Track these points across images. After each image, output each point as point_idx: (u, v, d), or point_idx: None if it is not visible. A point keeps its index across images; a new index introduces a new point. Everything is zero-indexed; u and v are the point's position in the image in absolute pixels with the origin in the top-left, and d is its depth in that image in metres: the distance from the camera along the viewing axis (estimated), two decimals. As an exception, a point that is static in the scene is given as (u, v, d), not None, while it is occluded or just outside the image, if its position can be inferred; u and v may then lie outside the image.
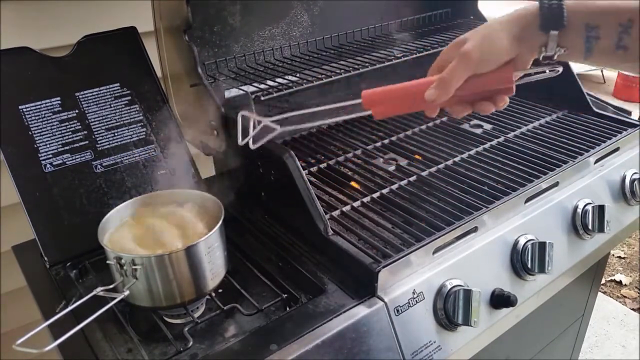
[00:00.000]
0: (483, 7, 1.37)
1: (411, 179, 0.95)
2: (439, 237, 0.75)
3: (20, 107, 0.84)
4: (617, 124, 1.10)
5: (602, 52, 0.56)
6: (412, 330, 0.70)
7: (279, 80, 1.01)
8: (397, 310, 0.69)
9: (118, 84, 0.92)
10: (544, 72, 0.62)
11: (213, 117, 0.94)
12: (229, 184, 1.04)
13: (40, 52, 0.88)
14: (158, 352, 0.69)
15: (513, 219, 0.85)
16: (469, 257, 0.78)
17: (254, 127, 0.67)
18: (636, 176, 1.01)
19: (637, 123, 1.09)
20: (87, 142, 0.87)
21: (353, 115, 0.71)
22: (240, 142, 0.67)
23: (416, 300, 0.71)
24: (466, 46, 0.59)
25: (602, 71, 1.58)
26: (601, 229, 0.91)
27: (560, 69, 0.61)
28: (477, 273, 0.78)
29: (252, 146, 0.67)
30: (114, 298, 0.66)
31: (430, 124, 1.17)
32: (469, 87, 0.61)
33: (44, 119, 0.85)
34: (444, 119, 1.20)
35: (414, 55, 1.12)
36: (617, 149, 1.02)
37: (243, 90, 0.97)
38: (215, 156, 1.09)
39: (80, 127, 0.87)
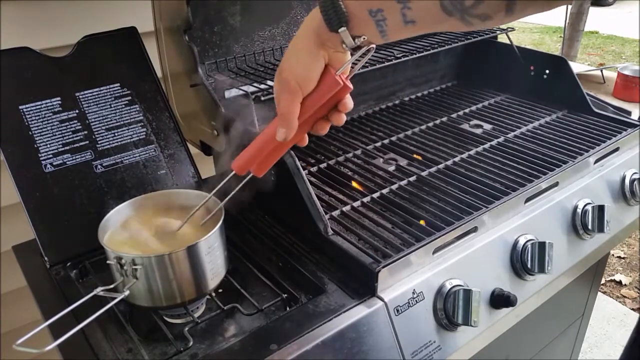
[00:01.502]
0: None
1: (411, 179, 0.95)
2: (438, 237, 0.76)
3: (20, 107, 0.84)
4: (617, 124, 1.10)
5: (396, 30, 0.58)
6: (412, 330, 0.70)
7: (279, 80, 1.01)
8: (397, 310, 0.69)
9: (118, 84, 0.92)
10: (359, 57, 0.63)
11: (213, 117, 0.94)
12: (229, 184, 1.04)
13: (40, 52, 0.88)
14: (158, 352, 0.69)
15: (513, 219, 0.85)
16: (469, 257, 0.78)
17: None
18: (636, 176, 1.01)
19: (637, 123, 1.09)
20: (87, 142, 0.87)
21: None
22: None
23: (416, 300, 0.71)
24: (283, 75, 0.61)
25: (602, 71, 1.59)
26: (601, 229, 0.91)
27: (373, 47, 0.62)
28: (477, 273, 0.78)
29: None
30: (114, 298, 0.66)
31: (430, 124, 1.17)
32: (307, 109, 0.63)
33: (44, 119, 0.85)
34: (444, 119, 1.20)
35: (414, 56, 1.12)
36: (617, 149, 1.02)
37: (243, 91, 0.97)
38: (215, 156, 1.09)
39: (80, 127, 0.87)
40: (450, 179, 0.94)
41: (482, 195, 0.88)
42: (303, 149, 1.11)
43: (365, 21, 0.57)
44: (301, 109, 0.62)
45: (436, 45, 1.16)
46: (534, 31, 6.68)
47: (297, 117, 0.62)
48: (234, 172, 0.70)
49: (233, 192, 0.72)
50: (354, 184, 0.96)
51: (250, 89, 0.97)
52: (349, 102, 0.64)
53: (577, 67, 1.67)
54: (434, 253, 0.75)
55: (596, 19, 6.33)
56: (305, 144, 0.68)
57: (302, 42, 0.61)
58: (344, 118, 0.65)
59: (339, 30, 0.58)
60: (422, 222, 0.83)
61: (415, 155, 1.04)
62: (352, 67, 0.65)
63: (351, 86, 0.64)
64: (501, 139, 1.08)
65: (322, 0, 0.57)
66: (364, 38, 0.59)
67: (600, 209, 0.91)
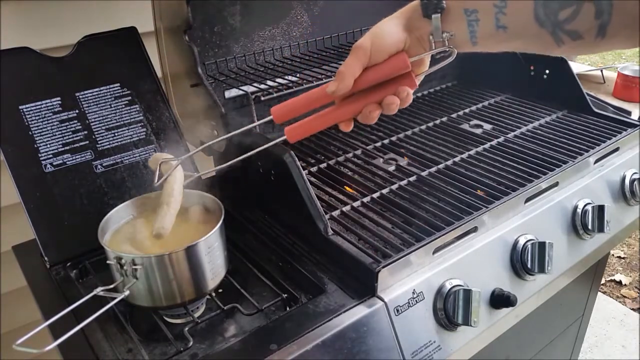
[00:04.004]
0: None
1: (411, 179, 0.95)
2: (438, 237, 0.76)
3: (20, 107, 0.84)
4: (617, 124, 1.10)
5: (486, 35, 0.59)
6: (412, 330, 0.70)
7: (279, 80, 1.02)
8: (397, 310, 0.69)
9: (118, 84, 0.92)
10: (439, 56, 0.63)
11: (213, 117, 0.94)
12: (229, 184, 1.04)
13: (40, 52, 0.88)
14: (158, 352, 0.69)
15: (513, 219, 0.85)
16: (469, 257, 0.78)
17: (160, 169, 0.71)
18: (636, 176, 1.01)
19: (637, 123, 1.09)
20: (87, 142, 0.87)
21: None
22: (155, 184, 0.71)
23: (416, 300, 0.71)
24: (359, 41, 0.62)
25: (601, 71, 1.59)
26: (601, 229, 0.91)
27: (454, 52, 0.62)
28: (477, 273, 0.78)
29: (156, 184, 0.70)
30: (114, 298, 0.66)
31: (430, 124, 1.17)
32: (368, 78, 0.63)
33: (44, 119, 0.85)
34: (444, 119, 1.20)
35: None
36: (617, 149, 1.02)
37: (243, 91, 0.97)
38: (215, 156, 1.09)
39: (80, 127, 0.87)
40: (450, 179, 0.94)
41: (482, 195, 0.88)
42: (303, 149, 1.11)
43: (459, 18, 0.59)
44: (361, 76, 0.62)
45: (436, 45, 1.16)
46: (534, 31, 6.67)
47: (354, 80, 0.62)
48: (270, 118, 0.67)
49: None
50: (354, 184, 0.95)
51: (250, 89, 0.97)
52: (409, 96, 0.64)
53: (577, 67, 1.66)
54: (434, 253, 0.75)
55: (596, 19, 6.32)
56: (348, 129, 0.67)
57: (390, 19, 0.63)
58: (396, 107, 0.64)
59: (433, 16, 0.59)
60: (417, 220, 0.83)
61: (404, 158, 1.03)
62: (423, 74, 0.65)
63: (417, 84, 0.64)
64: (501, 139, 1.08)
65: None
66: (451, 35, 0.60)
67: (600, 209, 0.91)
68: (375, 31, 0.62)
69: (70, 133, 0.86)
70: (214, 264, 0.71)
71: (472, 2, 0.58)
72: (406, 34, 0.62)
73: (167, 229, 0.69)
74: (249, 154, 0.70)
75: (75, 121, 0.87)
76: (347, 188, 0.94)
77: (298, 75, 1.05)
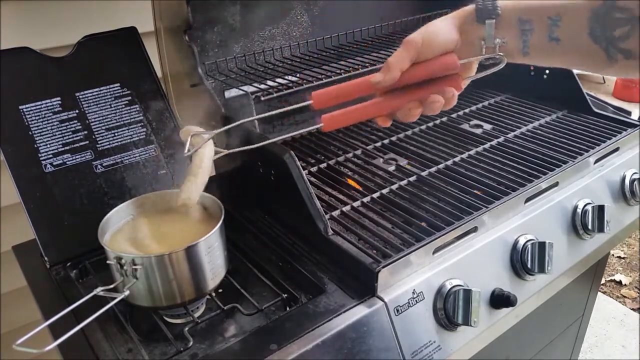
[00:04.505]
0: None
1: (411, 179, 0.95)
2: (439, 237, 0.75)
3: (20, 107, 0.84)
4: (617, 124, 1.10)
5: (538, 46, 0.59)
6: (412, 330, 0.70)
7: (279, 80, 1.02)
8: (397, 310, 0.69)
9: (118, 84, 0.92)
10: (488, 59, 0.64)
11: (213, 117, 0.94)
12: (229, 184, 1.04)
13: (40, 52, 0.88)
14: (158, 352, 0.69)
15: (513, 219, 0.85)
16: (469, 257, 0.78)
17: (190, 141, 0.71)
18: (636, 176, 1.01)
19: (637, 123, 1.09)
20: (87, 142, 0.87)
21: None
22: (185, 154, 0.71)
23: (416, 300, 0.71)
24: (410, 35, 0.63)
25: (602, 71, 1.59)
26: (601, 229, 0.91)
27: (504, 60, 0.62)
28: (477, 273, 0.78)
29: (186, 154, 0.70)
30: (114, 298, 0.66)
31: (430, 124, 1.17)
32: (415, 74, 0.63)
33: (44, 119, 0.85)
34: (444, 118, 1.20)
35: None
36: (617, 149, 1.02)
37: (243, 91, 0.97)
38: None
39: (80, 127, 0.87)
40: (450, 179, 0.94)
41: (482, 195, 0.88)
42: (303, 149, 1.11)
43: (513, 27, 0.59)
44: (408, 71, 0.62)
45: (436, 45, 1.16)
46: (534, 31, 6.67)
47: (401, 73, 0.62)
48: (309, 102, 0.67)
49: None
50: (354, 184, 0.95)
51: (251, 89, 0.97)
52: (454, 97, 0.64)
53: (577, 67, 1.66)
54: (434, 253, 0.75)
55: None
56: (387, 124, 0.67)
57: (445, 19, 0.63)
58: (440, 107, 0.64)
59: (487, 22, 0.59)
60: (417, 220, 0.83)
61: (407, 159, 1.03)
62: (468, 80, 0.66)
63: (463, 87, 0.64)
64: (501, 139, 1.08)
65: None
66: (503, 42, 0.60)
67: (600, 209, 0.91)
68: (429, 28, 0.63)
69: (70, 133, 0.86)
70: (214, 264, 0.71)
71: (528, 12, 0.58)
72: (458, 35, 0.62)
73: (193, 199, 0.69)
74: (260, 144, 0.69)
75: (75, 121, 0.87)
76: (347, 188, 0.94)
77: (298, 75, 1.05)
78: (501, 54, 0.61)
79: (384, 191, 0.91)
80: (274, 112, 0.72)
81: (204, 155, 0.70)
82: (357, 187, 0.94)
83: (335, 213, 0.86)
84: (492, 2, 0.59)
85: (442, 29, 0.63)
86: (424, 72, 0.63)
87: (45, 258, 0.81)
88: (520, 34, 0.59)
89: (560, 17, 0.56)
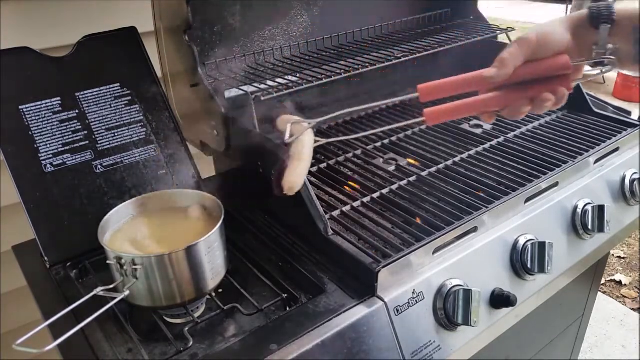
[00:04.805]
0: (483, 7, 1.37)
1: (411, 179, 0.95)
2: (439, 237, 0.76)
3: (20, 107, 0.84)
4: (617, 124, 1.10)
5: None
6: (412, 330, 0.70)
7: (279, 80, 1.01)
8: (397, 310, 0.69)
9: (118, 84, 0.92)
10: (597, 64, 0.65)
11: (213, 117, 0.94)
12: (229, 184, 1.04)
13: (40, 52, 0.88)
14: (158, 352, 0.69)
15: (513, 219, 0.85)
16: (469, 257, 0.78)
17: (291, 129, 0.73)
18: (636, 176, 1.01)
19: (637, 123, 1.09)
20: (87, 142, 0.87)
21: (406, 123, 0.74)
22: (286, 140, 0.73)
23: (416, 300, 0.71)
24: (524, 34, 0.64)
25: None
26: (601, 229, 0.91)
27: (615, 63, 0.63)
28: (477, 273, 0.78)
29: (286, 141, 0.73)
30: (114, 298, 0.66)
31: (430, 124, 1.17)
32: (527, 71, 0.64)
33: (44, 119, 0.85)
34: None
35: (414, 56, 1.12)
36: (617, 149, 1.02)
37: (243, 91, 0.97)
38: (215, 156, 1.09)
39: (80, 127, 0.87)
40: (450, 179, 0.94)
41: (482, 195, 0.88)
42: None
43: (626, 34, 0.60)
44: (520, 68, 0.63)
45: (436, 46, 1.16)
46: (534, 31, 6.67)
47: (514, 69, 0.63)
48: (415, 95, 0.68)
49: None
50: (354, 184, 0.95)
51: (251, 89, 0.97)
52: (564, 97, 0.65)
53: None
54: (434, 253, 0.75)
55: (596, 19, 6.33)
56: (491, 120, 0.69)
57: (560, 21, 0.64)
58: (550, 105, 0.65)
59: (601, 27, 0.60)
60: (417, 220, 0.83)
61: (408, 159, 1.04)
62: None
63: (571, 88, 0.65)
64: (501, 139, 1.08)
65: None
66: (615, 47, 0.61)
67: (600, 209, 0.91)
68: (543, 28, 0.63)
69: (70, 133, 0.86)
70: (214, 264, 0.71)
71: None
72: (571, 37, 0.63)
73: (299, 183, 0.69)
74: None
75: (75, 121, 0.87)
76: (347, 188, 0.94)
77: (298, 75, 1.05)
78: (613, 57, 0.62)
79: (384, 191, 0.91)
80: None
81: (305, 142, 0.72)
82: (357, 187, 0.94)
83: (335, 213, 0.86)
84: (608, 8, 0.60)
85: (557, 30, 0.63)
86: (536, 71, 0.64)
87: (45, 258, 0.81)
88: (633, 41, 0.60)
89: None
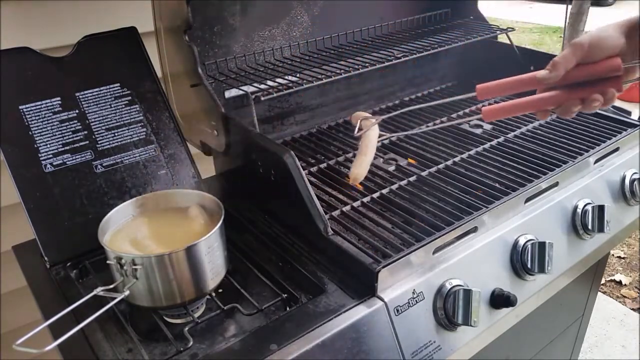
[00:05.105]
0: (483, 7, 1.37)
1: (411, 179, 0.95)
2: (438, 237, 0.76)
3: (20, 107, 0.84)
4: (617, 124, 1.10)
5: None
6: (412, 330, 0.70)
7: (279, 80, 1.02)
8: (397, 310, 0.69)
9: (118, 84, 0.92)
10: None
11: (213, 117, 0.94)
12: (229, 184, 1.04)
13: (40, 52, 0.88)
14: (158, 352, 0.69)
15: (513, 219, 0.85)
16: (469, 257, 0.78)
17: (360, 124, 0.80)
18: (636, 176, 1.01)
19: (637, 123, 1.09)
20: (87, 142, 0.87)
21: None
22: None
23: (416, 300, 0.71)
24: (578, 38, 0.68)
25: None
26: (601, 229, 0.91)
27: None
28: (477, 273, 0.78)
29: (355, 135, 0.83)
30: (114, 298, 0.66)
31: (430, 124, 1.17)
32: (579, 74, 0.68)
33: (44, 119, 0.85)
34: (444, 118, 1.20)
35: (414, 56, 1.12)
36: (617, 149, 1.02)
37: (243, 91, 0.97)
38: (215, 156, 1.09)
39: (80, 127, 0.87)
40: (450, 179, 0.94)
41: (482, 195, 0.88)
42: (303, 149, 1.11)
43: None
44: (573, 70, 0.67)
45: (436, 46, 1.16)
46: (534, 31, 6.68)
47: (565, 71, 0.67)
48: (473, 94, 0.74)
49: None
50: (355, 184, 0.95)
51: (251, 89, 0.97)
52: (613, 98, 0.67)
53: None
54: (434, 253, 0.75)
55: (596, 19, 6.33)
56: (545, 118, 0.74)
57: (614, 26, 0.68)
58: (599, 106, 0.68)
59: None
60: (417, 220, 0.83)
61: (409, 159, 1.04)
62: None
63: (623, 89, 0.68)
64: (501, 139, 1.08)
65: None
66: None
67: (600, 209, 0.91)
68: (597, 32, 0.67)
69: (70, 133, 0.86)
70: (214, 264, 0.71)
71: None
72: (624, 40, 0.67)
73: (362, 174, 0.77)
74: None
75: (75, 121, 0.87)
76: (347, 188, 0.94)
77: (298, 75, 1.05)
78: None
79: (384, 191, 0.91)
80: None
81: (370, 137, 0.82)
82: (357, 187, 0.94)
83: (335, 213, 0.86)
84: None
85: (610, 33, 0.67)
86: (587, 73, 0.68)
87: (45, 258, 0.81)
88: None
89: None
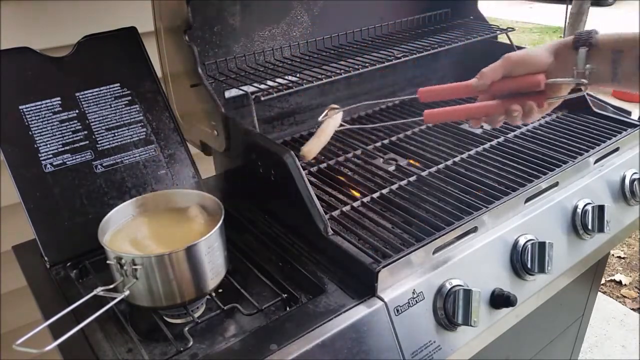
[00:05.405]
0: (483, 7, 1.37)
1: (411, 179, 0.95)
2: (438, 237, 0.76)
3: (20, 107, 0.84)
4: (617, 124, 1.10)
5: (627, 72, 0.67)
6: (412, 330, 0.70)
7: (279, 80, 1.02)
8: (397, 310, 0.69)
9: (118, 84, 0.92)
10: (571, 85, 0.73)
11: (213, 117, 0.94)
12: (229, 184, 1.04)
13: (40, 52, 0.88)
14: (158, 352, 0.69)
15: (513, 219, 0.85)
16: (469, 257, 0.78)
17: None
18: (636, 176, 1.01)
19: (637, 123, 1.09)
20: (87, 142, 0.87)
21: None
22: None
23: (416, 300, 0.71)
24: (509, 53, 0.74)
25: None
26: (601, 229, 0.91)
27: (586, 87, 0.71)
28: (477, 273, 0.78)
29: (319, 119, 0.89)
30: (114, 298, 0.66)
31: (430, 124, 1.17)
32: (503, 85, 0.74)
33: (44, 119, 0.85)
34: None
35: (414, 56, 1.12)
36: (617, 149, 1.02)
37: (243, 91, 0.97)
38: (215, 156, 1.09)
39: (80, 127, 0.87)
40: (450, 179, 0.94)
41: (482, 195, 0.88)
42: (303, 149, 1.10)
43: (605, 56, 0.68)
44: (499, 82, 0.73)
45: (436, 46, 1.16)
46: (533, 31, 6.68)
47: (492, 81, 0.73)
48: (415, 96, 0.80)
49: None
50: (354, 183, 0.95)
51: (251, 89, 0.97)
52: (531, 111, 0.72)
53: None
54: (434, 253, 0.75)
55: (596, 19, 6.34)
56: (476, 126, 0.79)
57: (544, 45, 0.73)
58: (518, 116, 0.73)
59: (580, 50, 0.68)
60: (417, 220, 0.83)
61: (410, 161, 1.04)
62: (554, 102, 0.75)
63: (546, 105, 0.73)
64: (501, 139, 1.08)
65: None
66: (593, 69, 0.68)
67: (600, 209, 0.91)
68: (527, 50, 0.74)
69: (70, 133, 0.86)
70: (214, 264, 0.71)
71: (621, 44, 0.67)
72: (553, 59, 0.71)
73: (309, 152, 0.82)
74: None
75: (75, 121, 0.87)
76: (347, 188, 0.94)
77: (298, 75, 1.05)
78: (584, 80, 0.69)
79: (384, 191, 0.91)
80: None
81: (330, 123, 0.89)
82: (357, 187, 0.94)
83: (335, 213, 0.86)
84: (588, 34, 0.68)
85: (538, 52, 0.72)
86: (511, 85, 0.73)
87: (45, 258, 0.81)
88: (612, 61, 0.67)
89: None
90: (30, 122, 0.84)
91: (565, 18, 3.63)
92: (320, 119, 0.87)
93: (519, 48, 1.27)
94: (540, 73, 0.71)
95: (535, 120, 0.77)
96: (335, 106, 0.90)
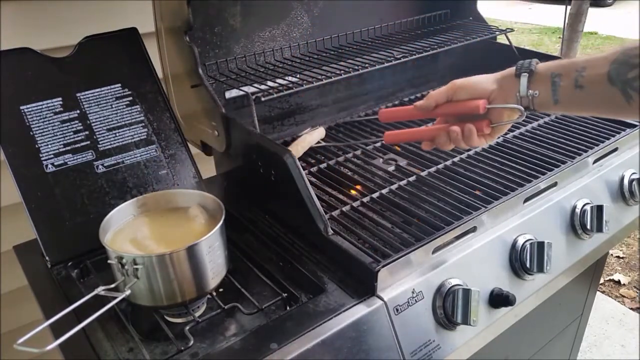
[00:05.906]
0: (482, 8, 1.38)
1: (411, 179, 0.95)
2: (438, 236, 0.76)
3: (21, 107, 0.84)
4: (616, 124, 1.11)
5: (566, 95, 0.70)
6: (411, 330, 0.71)
7: (279, 81, 1.02)
8: (397, 310, 0.70)
9: (119, 85, 0.92)
10: (515, 112, 0.75)
11: (214, 117, 0.94)
12: (229, 184, 1.04)
13: (41, 53, 0.88)
14: (159, 351, 0.69)
15: (512, 218, 0.85)
16: (468, 256, 0.78)
17: None
18: (635, 176, 1.02)
19: (636, 123, 1.09)
20: (88, 142, 0.88)
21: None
22: None
23: (415, 300, 0.72)
24: (456, 79, 0.78)
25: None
26: (600, 229, 0.92)
27: (524, 113, 0.74)
28: (476, 272, 0.78)
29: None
30: (115, 297, 0.67)
31: (430, 124, 1.17)
32: (447, 109, 0.78)
33: (45, 119, 0.85)
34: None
35: (414, 56, 1.13)
36: (615, 149, 1.03)
37: (243, 91, 0.97)
38: (215, 156, 1.09)
39: (81, 127, 0.88)
40: (450, 179, 0.95)
41: (481, 195, 0.88)
42: (303, 149, 1.11)
43: (545, 80, 0.71)
44: (443, 105, 0.77)
45: (435, 46, 1.17)
46: (533, 32, 6.69)
47: (435, 105, 0.77)
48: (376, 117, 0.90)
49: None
50: (354, 183, 0.96)
51: (251, 89, 0.97)
52: (471, 133, 0.75)
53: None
54: (433, 253, 0.76)
55: (595, 19, 6.34)
56: (428, 148, 0.82)
57: (493, 74, 0.77)
58: (457, 137, 0.76)
59: (522, 75, 0.72)
60: (417, 220, 0.83)
61: (410, 162, 1.04)
62: (499, 127, 0.78)
63: (488, 129, 0.76)
64: (500, 139, 1.09)
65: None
66: (535, 94, 0.72)
67: (599, 209, 0.92)
68: (473, 77, 0.77)
69: (72, 133, 0.87)
70: (215, 264, 0.72)
71: (559, 68, 0.71)
72: (496, 86, 0.75)
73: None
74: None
75: (77, 121, 0.88)
76: (347, 188, 0.94)
77: (298, 75, 1.05)
78: (524, 106, 0.73)
79: (384, 191, 0.92)
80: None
81: (308, 136, 0.99)
82: (357, 187, 0.95)
83: (335, 213, 0.86)
84: (529, 62, 0.72)
85: (482, 79, 0.76)
86: (454, 109, 0.77)
87: (47, 258, 0.81)
88: (551, 84, 0.70)
89: (585, 68, 0.68)
90: (31, 123, 0.84)
91: (565, 19, 3.63)
92: (302, 133, 0.95)
93: (518, 49, 1.28)
94: (483, 99, 0.75)
95: (481, 145, 0.81)
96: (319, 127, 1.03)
